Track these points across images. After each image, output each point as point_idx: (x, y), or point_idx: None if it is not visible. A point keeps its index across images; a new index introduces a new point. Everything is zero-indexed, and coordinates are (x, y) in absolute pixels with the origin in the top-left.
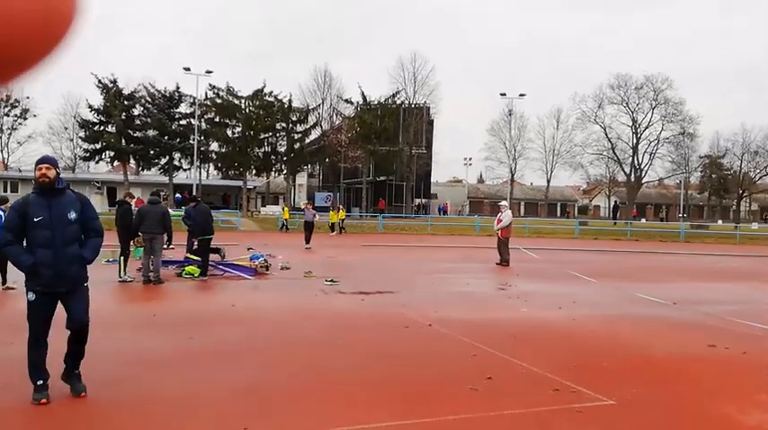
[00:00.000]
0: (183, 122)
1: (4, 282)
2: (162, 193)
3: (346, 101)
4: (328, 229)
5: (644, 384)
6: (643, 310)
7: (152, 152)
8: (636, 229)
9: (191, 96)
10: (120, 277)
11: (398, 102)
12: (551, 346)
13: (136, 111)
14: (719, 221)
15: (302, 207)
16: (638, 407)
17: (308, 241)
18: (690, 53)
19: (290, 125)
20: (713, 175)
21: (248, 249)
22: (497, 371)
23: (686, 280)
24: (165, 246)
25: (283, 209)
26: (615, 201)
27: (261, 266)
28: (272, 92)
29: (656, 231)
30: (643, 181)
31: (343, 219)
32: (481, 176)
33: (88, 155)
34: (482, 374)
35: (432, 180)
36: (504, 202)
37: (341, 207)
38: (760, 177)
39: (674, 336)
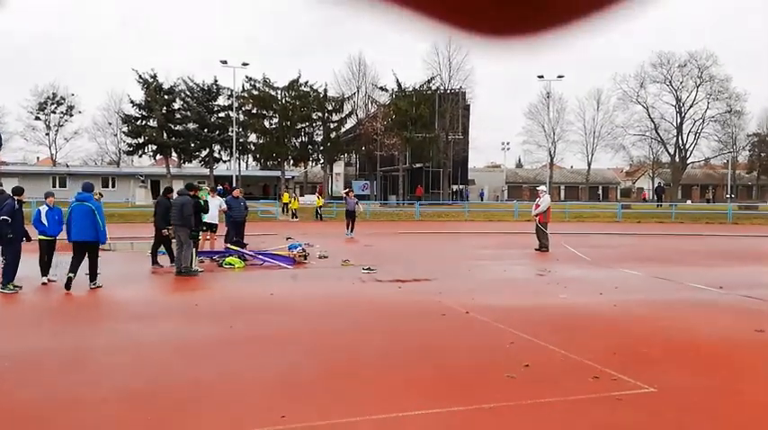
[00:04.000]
0: (221, 115)
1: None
2: (202, 185)
3: (381, 88)
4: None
5: (687, 371)
6: (687, 295)
7: (192, 145)
8: (681, 212)
9: (228, 89)
10: (191, 268)
11: (434, 88)
12: (591, 333)
13: (176, 105)
14: None
15: (342, 195)
16: (680, 394)
17: (350, 229)
18: (735, 28)
19: (326, 114)
20: (762, 154)
21: (287, 239)
22: (535, 359)
23: (733, 263)
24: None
25: (294, 198)
26: (659, 183)
27: (299, 256)
28: (307, 82)
29: (702, 213)
30: (688, 161)
31: (320, 206)
32: (519, 161)
33: (132, 149)
34: (519, 362)
35: (469, 166)
36: (542, 187)
37: (319, 195)
38: None
39: (719, 322)
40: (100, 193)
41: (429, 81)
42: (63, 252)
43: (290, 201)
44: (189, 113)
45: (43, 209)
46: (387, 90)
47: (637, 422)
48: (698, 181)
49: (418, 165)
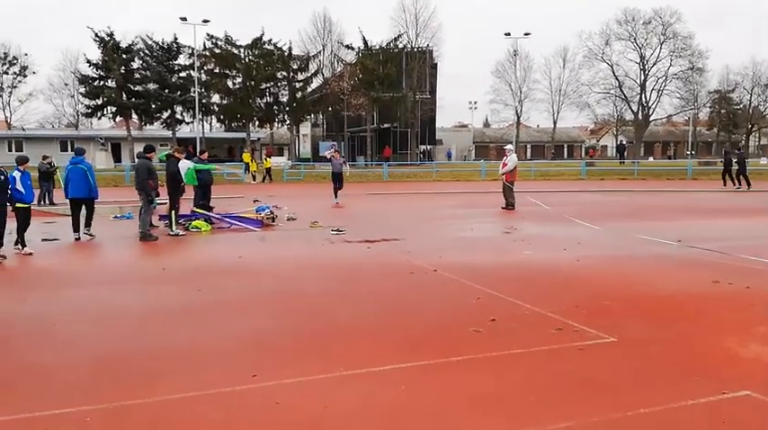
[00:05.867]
0: (182, 75)
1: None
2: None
3: (347, 47)
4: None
5: (646, 322)
6: (647, 250)
7: (153, 106)
8: (643, 168)
9: (189, 47)
10: (172, 231)
11: (400, 46)
12: (555, 288)
13: (135, 65)
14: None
15: (327, 156)
16: (640, 344)
17: (335, 193)
18: None
19: (291, 74)
20: (722, 111)
21: (254, 201)
22: (501, 314)
23: (692, 218)
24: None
25: (254, 160)
26: (621, 141)
27: (267, 218)
28: (270, 40)
29: (664, 170)
30: (651, 119)
31: (268, 168)
32: (487, 120)
33: (90, 111)
34: (486, 316)
35: (437, 125)
36: (509, 146)
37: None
38: None
39: (677, 274)
40: (49, 162)
41: (396, 39)
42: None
43: (251, 163)
44: (149, 73)
45: (17, 174)
46: (353, 48)
47: (598, 370)
48: (660, 138)
49: (386, 126)
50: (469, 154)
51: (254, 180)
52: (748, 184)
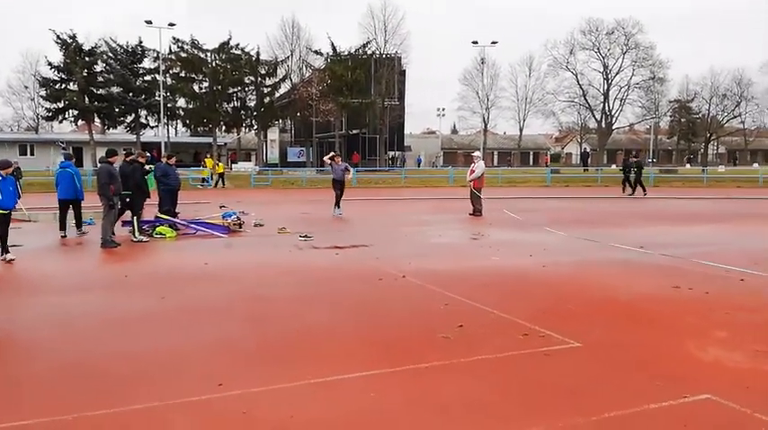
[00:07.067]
0: (147, 78)
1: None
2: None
3: (316, 52)
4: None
5: (610, 326)
6: (611, 256)
7: (117, 110)
8: (606, 175)
9: (154, 51)
10: (135, 238)
11: (369, 52)
12: (521, 293)
13: (98, 68)
14: (687, 165)
15: (327, 162)
16: (603, 348)
17: (338, 204)
18: None
19: (259, 79)
20: (682, 120)
21: (220, 207)
22: (469, 319)
23: (654, 224)
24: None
25: (218, 163)
26: (585, 149)
27: (234, 224)
28: (238, 44)
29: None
30: (614, 127)
31: (221, 173)
32: (455, 127)
33: (51, 114)
34: (454, 323)
35: (405, 132)
36: (477, 153)
37: (219, 162)
38: (727, 120)
39: (639, 280)
40: (16, 168)
41: (365, 45)
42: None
43: (215, 167)
44: (112, 77)
45: None
46: (322, 54)
47: (563, 375)
48: (622, 145)
49: (354, 132)
50: (438, 160)
51: (212, 181)
52: (644, 191)
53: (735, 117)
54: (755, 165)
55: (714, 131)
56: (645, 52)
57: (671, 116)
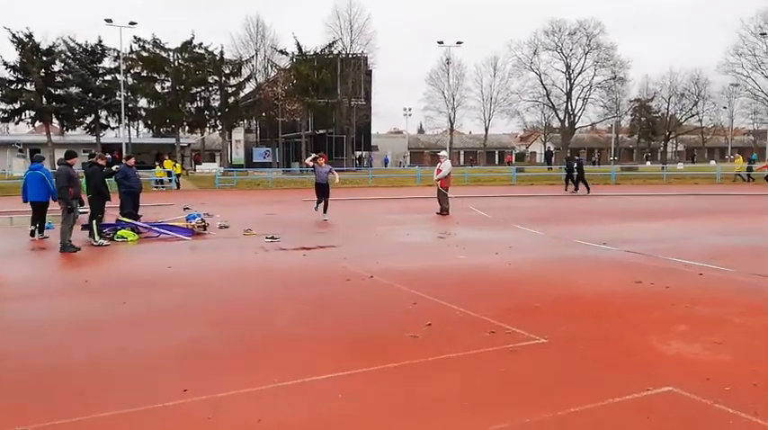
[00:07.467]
0: (107, 78)
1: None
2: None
3: (281, 52)
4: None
5: (574, 322)
6: (575, 252)
7: (76, 111)
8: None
9: (114, 50)
10: (95, 242)
11: (335, 52)
12: (488, 291)
13: (56, 68)
14: (648, 163)
15: (309, 164)
16: (568, 343)
17: (321, 206)
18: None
19: (223, 78)
20: (642, 119)
21: (184, 209)
22: (436, 318)
23: (616, 221)
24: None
25: (175, 164)
26: (549, 148)
27: (198, 226)
28: (201, 43)
29: (589, 175)
30: (576, 126)
31: (178, 174)
32: (421, 127)
33: (6, 115)
34: (422, 321)
35: (372, 132)
36: (443, 152)
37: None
38: (686, 119)
39: (603, 275)
40: None
41: (331, 45)
42: None
43: (174, 167)
44: (71, 76)
45: None
46: (287, 54)
47: (530, 371)
48: (585, 144)
49: (321, 132)
50: (405, 160)
51: (174, 183)
52: (587, 188)
53: (693, 116)
54: (713, 162)
55: (673, 130)
56: (606, 52)
57: (631, 115)
